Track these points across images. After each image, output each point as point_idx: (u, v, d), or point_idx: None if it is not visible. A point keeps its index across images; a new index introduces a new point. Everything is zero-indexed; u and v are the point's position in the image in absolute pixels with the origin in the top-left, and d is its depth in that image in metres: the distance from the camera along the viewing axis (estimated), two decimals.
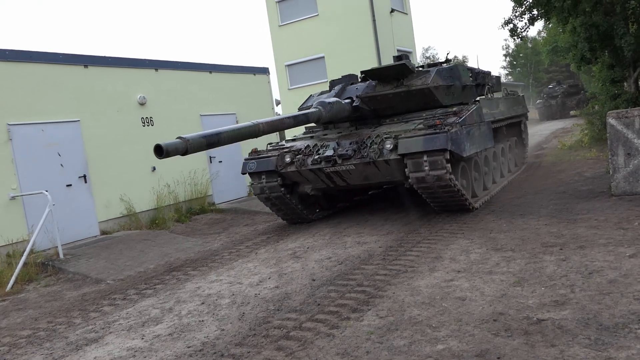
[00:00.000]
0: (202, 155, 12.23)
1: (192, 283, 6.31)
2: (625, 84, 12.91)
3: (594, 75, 15.98)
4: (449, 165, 6.91)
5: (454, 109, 8.22)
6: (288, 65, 22.14)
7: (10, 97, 8.78)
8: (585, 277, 4.45)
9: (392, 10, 21.21)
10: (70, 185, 9.50)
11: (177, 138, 5.60)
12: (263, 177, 8.39)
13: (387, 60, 18.53)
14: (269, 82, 15.13)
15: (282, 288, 5.51)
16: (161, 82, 11.70)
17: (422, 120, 7.86)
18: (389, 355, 3.56)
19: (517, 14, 13.19)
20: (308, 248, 7.25)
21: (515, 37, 13.76)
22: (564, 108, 33.34)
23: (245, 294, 5.48)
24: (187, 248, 8.59)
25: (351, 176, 7.90)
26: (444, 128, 7.00)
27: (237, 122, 12.51)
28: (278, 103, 21.83)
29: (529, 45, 50.08)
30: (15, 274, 7.46)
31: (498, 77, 12.06)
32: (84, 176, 9.74)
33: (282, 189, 8.33)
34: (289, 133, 13.47)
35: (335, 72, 16.62)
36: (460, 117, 7.59)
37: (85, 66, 10.15)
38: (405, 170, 7.20)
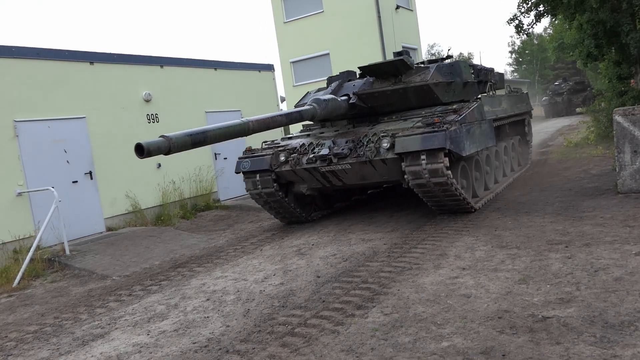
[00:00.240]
0: (207, 152, 12.27)
1: (197, 279, 6.34)
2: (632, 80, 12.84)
3: (601, 72, 15.91)
4: (447, 164, 6.72)
5: (454, 106, 7.97)
6: (293, 62, 22.13)
7: (16, 94, 8.83)
8: (591, 275, 4.44)
9: (397, 7, 21.16)
10: (76, 181, 9.54)
11: (160, 137, 5.32)
12: (257, 176, 8.18)
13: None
14: (274, 78, 15.14)
15: (287, 285, 5.53)
16: (166, 79, 11.72)
17: (420, 118, 7.66)
18: (393, 352, 3.57)
19: (522, 11, 13.13)
20: (313, 245, 7.26)
21: (521, 34, 13.70)
22: (570, 105, 33.18)
23: (250, 291, 5.50)
24: (193, 244, 8.62)
25: (347, 176, 7.71)
26: (443, 126, 6.78)
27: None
28: (283, 100, 21.82)
29: (535, 41, 49.82)
30: (22, 269, 7.52)
31: (501, 74, 11.83)
32: (90, 173, 9.78)
33: (277, 188, 8.12)
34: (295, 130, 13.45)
35: (340, 68, 16.57)
36: (460, 115, 7.37)
37: (91, 63, 10.18)
38: (403, 169, 6.99)
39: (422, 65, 8.62)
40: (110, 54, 10.74)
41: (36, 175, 8.86)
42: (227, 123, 6.18)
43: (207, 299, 5.43)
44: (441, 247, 6.08)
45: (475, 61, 49.95)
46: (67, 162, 9.42)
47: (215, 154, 12.58)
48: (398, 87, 8.15)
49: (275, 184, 8.08)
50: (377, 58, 19.20)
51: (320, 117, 7.77)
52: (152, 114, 11.24)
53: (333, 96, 8.04)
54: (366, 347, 3.70)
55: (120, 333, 4.80)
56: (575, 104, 32.73)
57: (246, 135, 6.41)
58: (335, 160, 7.48)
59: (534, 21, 13.21)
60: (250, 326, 4.46)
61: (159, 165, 11.11)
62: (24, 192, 8.66)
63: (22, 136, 8.78)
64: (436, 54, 55.43)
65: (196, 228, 10.26)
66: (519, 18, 13.24)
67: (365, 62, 8.89)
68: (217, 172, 12.53)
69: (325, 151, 7.63)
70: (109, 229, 10.00)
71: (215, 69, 13.14)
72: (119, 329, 4.91)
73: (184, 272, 6.80)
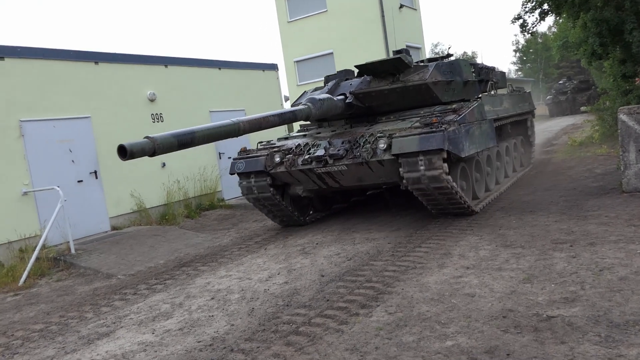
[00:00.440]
0: (211, 152, 12.30)
1: (201, 278, 6.36)
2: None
3: (605, 70, 15.84)
4: (446, 166, 6.53)
5: (454, 106, 7.81)
6: (297, 62, 22.15)
7: (22, 94, 8.87)
8: (595, 274, 4.44)
9: (401, 6, 21.14)
10: (82, 181, 9.58)
11: (145, 137, 5.13)
12: (252, 177, 7.98)
13: None
14: (277, 78, 15.15)
15: (291, 284, 5.54)
16: (171, 78, 11.76)
17: (419, 118, 7.50)
18: (397, 351, 3.58)
19: (527, 10, 13.09)
20: (317, 244, 7.27)
21: (526, 33, 13.66)
22: (574, 104, 33.06)
23: (255, 290, 5.52)
24: (197, 244, 8.65)
25: (344, 177, 7.51)
26: (441, 126, 6.58)
27: None
28: (287, 99, 21.85)
29: (539, 40, 49.66)
30: (27, 268, 7.56)
31: (503, 73, 11.68)
32: (95, 172, 9.82)
33: (272, 190, 7.93)
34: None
35: (344, 68, 16.60)
36: (460, 115, 7.21)
37: (96, 63, 10.22)
38: (400, 171, 6.79)
39: (421, 64, 8.43)
40: (114, 54, 10.78)
41: (42, 175, 8.90)
42: (216, 123, 6.00)
43: (212, 298, 5.45)
44: (445, 246, 6.08)
45: (479, 60, 49.81)
46: (72, 161, 9.46)
47: (220, 153, 12.61)
48: (396, 86, 7.96)
49: (270, 186, 7.90)
50: (381, 57, 19.19)
51: (316, 117, 7.63)
52: (156, 114, 11.27)
53: (329, 96, 7.85)
54: (370, 346, 3.71)
55: (126, 332, 4.83)
56: (579, 103, 32.62)
57: (237, 136, 6.23)
58: (331, 162, 7.29)
59: (538, 20, 13.18)
60: (255, 325, 4.47)
61: (164, 164, 11.14)
62: (30, 192, 8.71)
63: (27, 136, 8.82)
64: (440, 53, 55.32)
65: (200, 227, 10.29)
66: (523, 17, 13.20)
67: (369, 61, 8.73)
68: (221, 171, 12.55)
69: (320, 152, 7.43)
70: (114, 228, 10.04)
71: (220, 68, 13.17)
72: (124, 328, 4.94)
73: (188, 271, 6.83)
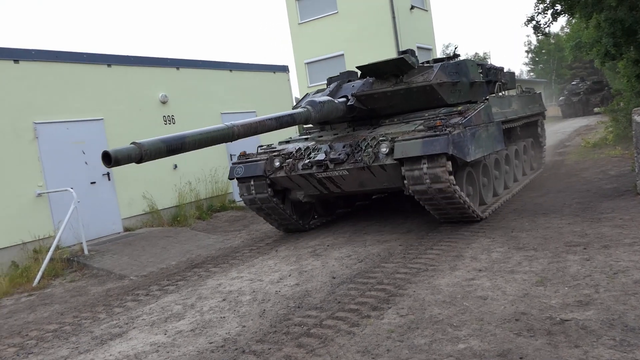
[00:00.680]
0: (223, 153, 12.35)
1: (213, 280, 6.39)
2: None
3: (619, 71, 15.68)
4: (450, 171, 6.28)
5: (459, 108, 7.50)
6: (308, 63, 22.18)
7: (36, 96, 8.98)
8: (609, 277, 4.39)
9: (412, 7, 21.10)
10: (95, 182, 9.67)
11: (132, 143, 4.90)
12: (251, 182, 7.79)
13: None
14: (288, 80, 15.18)
15: (302, 285, 5.54)
16: (182, 80, 11.83)
17: (423, 121, 7.26)
18: (409, 353, 3.56)
19: (539, 10, 13.01)
20: (328, 246, 7.26)
21: (539, 34, 13.57)
22: (587, 105, 32.75)
23: (266, 291, 5.53)
24: (208, 245, 8.68)
25: (345, 182, 7.27)
26: (445, 130, 6.30)
27: None
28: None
29: (552, 41, 49.26)
30: (41, 269, 7.65)
31: (512, 73, 11.35)
32: (108, 174, 9.90)
33: (272, 195, 7.73)
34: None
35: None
36: (465, 117, 6.93)
37: (109, 65, 10.31)
38: (403, 175, 6.55)
39: (426, 65, 8.19)
40: (127, 56, 10.86)
41: (55, 176, 9.00)
42: (209, 128, 5.76)
43: (223, 299, 5.47)
44: (457, 249, 6.04)
45: (490, 61, 49.49)
46: (86, 163, 9.55)
47: (231, 155, 12.65)
48: (399, 87, 7.69)
49: (270, 191, 7.71)
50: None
51: (315, 120, 7.33)
52: (168, 116, 11.34)
53: (329, 98, 7.58)
54: (382, 348, 3.70)
55: (138, 332, 4.86)
56: (592, 104, 32.30)
57: (231, 140, 6.00)
58: (331, 166, 7.07)
59: (551, 20, 13.09)
60: (266, 327, 4.48)
61: (175, 166, 11.21)
62: (44, 193, 8.81)
63: (41, 138, 8.92)
64: (451, 54, 55.06)
65: (212, 229, 10.33)
66: (536, 19, 13.12)
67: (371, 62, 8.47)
68: None
69: (321, 156, 7.22)
70: (126, 229, 10.12)
71: (231, 70, 13.23)
72: (136, 329, 4.97)
73: (200, 273, 6.86)
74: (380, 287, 5.05)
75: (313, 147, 7.58)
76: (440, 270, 5.32)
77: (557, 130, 23.37)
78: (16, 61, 8.79)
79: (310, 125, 8.84)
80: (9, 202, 8.36)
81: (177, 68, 11.80)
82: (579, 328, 3.54)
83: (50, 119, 9.11)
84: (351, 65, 20.06)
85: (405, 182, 6.54)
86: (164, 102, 11.26)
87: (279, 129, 6.80)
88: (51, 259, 7.88)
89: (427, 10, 22.80)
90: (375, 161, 6.76)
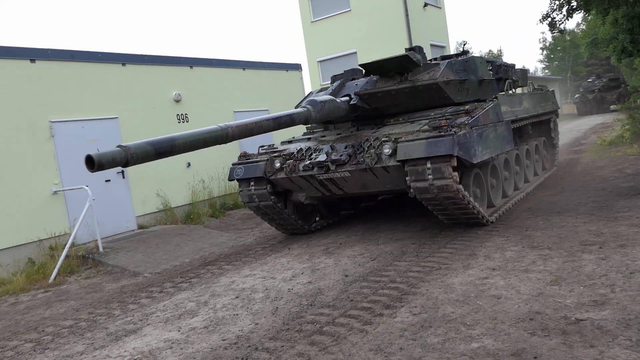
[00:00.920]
0: (236, 151, 12.36)
1: (226, 277, 6.42)
2: None
3: (636, 67, 15.47)
4: (456, 173, 6.03)
5: (467, 107, 7.21)
6: (320, 61, 22.16)
7: (52, 95, 9.08)
8: (626, 277, 4.34)
9: (425, 5, 20.97)
10: (109, 180, 9.76)
11: (117, 146, 4.70)
12: (251, 184, 7.58)
13: None
14: (301, 78, 15.19)
15: (315, 283, 5.55)
16: (196, 79, 11.90)
17: (428, 121, 6.98)
18: (422, 352, 3.55)
19: (555, 7, 12.87)
20: (341, 244, 7.26)
21: (555, 31, 13.43)
22: (602, 102, 32.34)
23: (279, 289, 5.54)
24: (221, 243, 8.73)
25: (347, 184, 7.04)
26: (451, 130, 6.05)
27: None
28: None
29: (567, 38, 48.71)
30: (57, 266, 7.75)
31: (524, 71, 11.01)
32: (122, 172, 9.99)
33: (273, 197, 7.51)
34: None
35: None
36: (472, 117, 6.68)
37: (123, 64, 10.40)
38: (407, 178, 6.30)
39: (432, 62, 7.89)
40: (141, 55, 10.94)
41: (71, 174, 9.10)
42: (201, 130, 5.50)
43: (236, 297, 5.50)
44: (470, 247, 6.01)
45: (504, 58, 49.02)
46: None
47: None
48: (404, 86, 7.39)
49: (270, 193, 7.51)
50: None
51: (316, 120, 7.07)
52: (182, 114, 11.41)
53: (331, 97, 7.33)
54: (395, 346, 3.70)
55: (152, 329, 4.90)
56: (608, 101, 31.89)
57: (225, 142, 5.74)
58: (333, 168, 6.83)
59: (566, 17, 12.94)
60: (279, 324, 4.50)
61: (189, 164, 11.28)
62: (59, 191, 8.91)
63: (57, 136, 9.03)
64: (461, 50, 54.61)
65: (225, 226, 10.38)
66: (551, 15, 12.98)
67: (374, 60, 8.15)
68: None
69: (322, 157, 6.98)
70: (140, 226, 10.20)
71: (244, 69, 13.27)
72: (150, 325, 5.02)
73: (213, 270, 6.90)
74: (393, 286, 5.04)
75: (315, 147, 7.35)
76: (454, 269, 5.30)
77: (572, 128, 23.12)
78: (32, 60, 8.90)
79: (314, 125, 8.65)
80: (26, 199, 8.47)
81: (191, 67, 11.86)
82: (594, 328, 3.50)
83: (66, 117, 9.21)
84: (363, 63, 20.02)
85: (409, 184, 6.31)
86: (177, 101, 11.33)
87: (277, 129, 6.56)
88: (67, 256, 7.98)
89: (440, 8, 22.66)
90: (378, 162, 6.51)
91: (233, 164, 7.87)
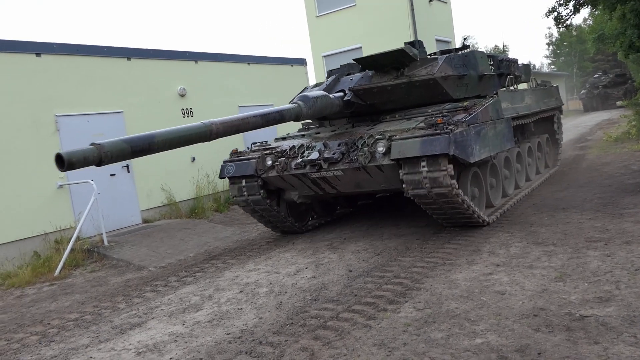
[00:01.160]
0: (240, 145, 12.38)
1: (230, 271, 6.44)
2: None
3: None
4: (452, 173, 5.81)
5: (465, 103, 6.95)
6: (325, 56, 22.10)
7: (57, 89, 9.11)
8: (631, 274, 4.32)
9: None
10: (114, 174, 9.79)
11: (90, 144, 4.47)
12: (243, 182, 7.39)
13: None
14: (306, 73, 15.18)
15: (319, 278, 5.56)
16: (200, 73, 11.90)
17: (426, 118, 6.72)
18: (426, 347, 3.56)
19: (561, 2, 12.77)
20: (345, 239, 7.27)
21: (560, 26, 13.32)
22: (607, 99, 32.14)
23: (283, 284, 5.56)
24: (226, 237, 8.75)
25: (340, 183, 6.83)
26: (447, 128, 5.81)
27: None
28: None
29: (574, 33, 48.40)
30: (63, 259, 7.79)
31: (527, 66, 10.64)
32: (127, 166, 10.02)
33: (264, 196, 7.33)
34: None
35: None
36: (470, 114, 6.44)
37: (128, 59, 10.41)
38: (401, 177, 6.09)
39: (430, 57, 7.63)
40: (146, 49, 10.95)
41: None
42: (183, 127, 5.26)
43: (241, 291, 5.52)
44: (475, 243, 6.00)
45: (510, 54, 48.78)
46: None
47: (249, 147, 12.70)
48: (400, 81, 7.14)
49: (262, 191, 7.31)
50: None
51: (308, 116, 6.81)
52: (186, 109, 11.42)
53: (324, 93, 7.05)
54: (398, 341, 3.70)
55: (157, 322, 4.93)
56: (614, 97, 31.70)
57: (209, 140, 5.47)
58: (325, 166, 6.60)
59: (573, 12, 12.84)
60: (283, 319, 4.51)
61: (194, 158, 11.30)
62: (65, 185, 8.95)
63: (62, 130, 9.06)
64: (471, 46, 54.41)
65: (229, 221, 10.40)
66: (557, 10, 12.88)
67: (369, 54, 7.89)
68: None
69: (314, 155, 6.74)
70: (145, 221, 10.24)
71: (249, 63, 13.26)
72: (155, 319, 5.04)
73: (217, 264, 6.92)
74: (397, 281, 5.04)
75: (307, 145, 7.11)
76: (458, 264, 5.29)
77: (578, 124, 23.02)
78: (38, 55, 8.92)
79: (309, 121, 8.47)
80: (32, 193, 8.51)
81: (196, 61, 11.86)
82: (598, 324, 3.49)
83: (71, 111, 9.23)
84: None
85: (404, 184, 6.10)
86: (182, 95, 11.34)
87: (265, 126, 6.29)
88: (72, 250, 8.02)
89: (446, 2, 22.54)
90: (372, 161, 6.28)
91: (224, 161, 7.66)
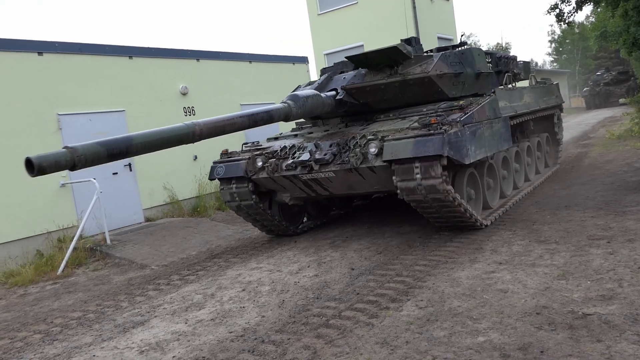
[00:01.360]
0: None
1: (233, 270, 6.44)
2: None
3: None
4: (446, 175, 5.63)
5: (461, 102, 6.76)
6: (327, 54, 22.08)
7: (60, 88, 9.12)
8: (634, 272, 4.31)
9: None
10: (117, 173, 9.81)
11: (64, 147, 4.25)
12: (233, 184, 7.23)
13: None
14: (308, 71, 15.17)
15: (321, 276, 5.56)
16: (202, 72, 11.90)
17: (420, 117, 6.47)
18: (428, 345, 3.56)
19: None
20: (347, 237, 7.27)
21: (562, 23, 13.28)
22: (610, 96, 32.05)
23: (285, 282, 5.56)
24: (228, 236, 8.76)
25: (332, 185, 6.63)
26: (441, 128, 5.61)
27: None
28: None
29: (576, 30, 48.27)
30: (65, 258, 7.81)
31: (527, 63, 10.42)
32: (129, 165, 10.03)
33: (255, 197, 7.15)
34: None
35: None
36: (466, 113, 6.23)
37: (130, 57, 10.42)
38: (394, 179, 5.87)
39: (425, 54, 7.41)
40: (148, 48, 10.95)
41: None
42: (164, 128, 5.05)
43: (243, 290, 5.52)
44: (477, 241, 6.00)
45: (512, 52, 48.66)
46: None
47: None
48: (394, 80, 6.96)
49: (253, 193, 7.14)
50: None
51: (298, 116, 6.60)
52: (188, 107, 11.43)
53: (315, 92, 6.84)
54: (401, 340, 3.70)
55: (160, 321, 4.94)
56: (617, 95, 31.60)
57: (192, 142, 5.27)
58: (316, 167, 6.43)
59: (575, 9, 12.80)
60: (285, 317, 4.51)
61: (196, 157, 11.31)
62: (67, 184, 8.97)
63: (65, 129, 9.07)
64: (473, 44, 54.34)
65: (231, 219, 10.40)
66: (559, 7, 12.84)
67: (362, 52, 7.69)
68: None
69: (305, 156, 6.56)
70: (147, 219, 10.26)
71: (250, 61, 13.26)
72: (158, 317, 5.05)
73: (220, 263, 6.93)
74: (399, 279, 5.04)
75: (299, 145, 6.92)
76: (460, 262, 5.29)
77: (580, 122, 22.97)
78: (40, 53, 8.93)
79: (302, 121, 8.30)
80: (34, 192, 8.53)
81: (197, 59, 11.87)
82: (601, 322, 3.49)
83: (73, 110, 9.25)
84: None
85: (396, 186, 5.90)
86: (184, 94, 11.35)
87: (253, 127, 6.08)
88: (75, 248, 8.04)
89: (448, 0, 22.51)
90: (364, 162, 6.09)
91: (214, 162, 7.51)
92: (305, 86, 8.12)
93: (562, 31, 51.90)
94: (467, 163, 6.02)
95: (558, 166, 10.91)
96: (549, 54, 60.49)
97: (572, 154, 12.58)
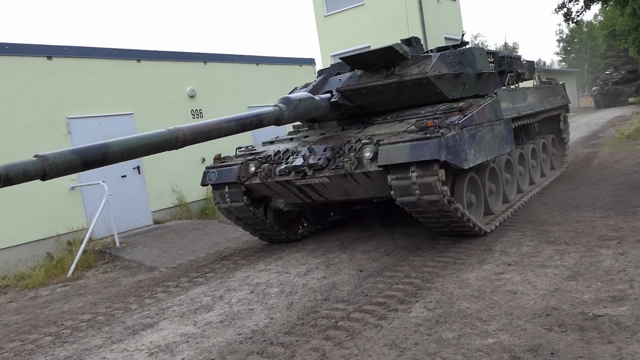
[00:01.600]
0: (250, 144, 12.42)
1: (241, 272, 6.46)
2: None
3: None
4: (444, 180, 5.37)
5: (461, 104, 6.48)
6: (334, 56, 22.08)
7: (69, 92, 9.19)
8: None
9: None
10: (125, 176, 9.86)
11: (34, 156, 3.89)
12: (225, 189, 7.01)
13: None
14: (315, 72, 15.16)
15: (329, 278, 5.56)
16: (210, 74, 11.95)
17: (419, 120, 6.21)
18: (437, 347, 3.55)
19: None
20: (355, 239, 7.26)
21: (570, 22, 13.22)
22: (619, 95, 31.81)
23: (294, 284, 5.56)
24: (236, 238, 8.78)
25: (327, 190, 6.39)
26: (438, 131, 5.36)
27: None
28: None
29: (585, 29, 48.00)
30: (75, 260, 7.86)
31: (532, 62, 10.12)
32: (138, 167, 10.08)
33: (248, 204, 6.93)
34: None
35: None
36: (465, 115, 5.99)
37: (138, 61, 10.48)
38: (389, 185, 5.60)
39: (423, 55, 7.14)
40: (156, 51, 11.02)
41: (88, 170, 9.20)
42: (144, 134, 4.82)
43: (251, 292, 5.53)
44: (486, 242, 5.97)
45: (520, 52, 48.42)
46: None
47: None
48: (390, 81, 6.71)
49: (246, 199, 6.91)
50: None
51: (290, 120, 6.36)
52: (196, 110, 11.48)
53: (308, 95, 6.61)
54: (410, 341, 3.69)
55: (169, 323, 4.96)
56: (626, 94, 31.37)
57: (175, 148, 4.99)
58: (310, 173, 6.19)
59: (583, 8, 12.74)
60: (294, 319, 4.52)
61: (204, 159, 11.34)
62: (77, 187, 9.03)
63: (74, 132, 9.14)
64: (480, 44, 54.13)
65: None
66: (567, 5, 12.79)
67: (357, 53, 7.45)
68: None
69: (299, 161, 6.33)
70: (156, 222, 10.30)
71: (257, 64, 13.29)
72: (167, 319, 5.07)
73: (228, 265, 6.94)
74: (407, 281, 5.03)
75: (293, 149, 6.69)
76: (469, 264, 5.27)
77: (589, 122, 22.82)
78: (49, 57, 9.00)
79: (299, 124, 8.10)
80: (44, 195, 8.59)
81: (205, 62, 11.92)
82: (612, 324, 3.46)
83: (82, 114, 9.32)
84: None
85: (392, 192, 5.63)
86: (192, 96, 11.40)
87: (241, 132, 5.78)
88: (84, 251, 8.09)
89: (455, 0, 22.45)
90: (358, 167, 5.84)
91: (207, 168, 7.31)
92: (301, 88, 7.85)
93: (571, 30, 51.64)
94: (465, 168, 5.77)
95: (564, 168, 10.59)
96: (557, 54, 60.22)
97: (581, 154, 12.50)
